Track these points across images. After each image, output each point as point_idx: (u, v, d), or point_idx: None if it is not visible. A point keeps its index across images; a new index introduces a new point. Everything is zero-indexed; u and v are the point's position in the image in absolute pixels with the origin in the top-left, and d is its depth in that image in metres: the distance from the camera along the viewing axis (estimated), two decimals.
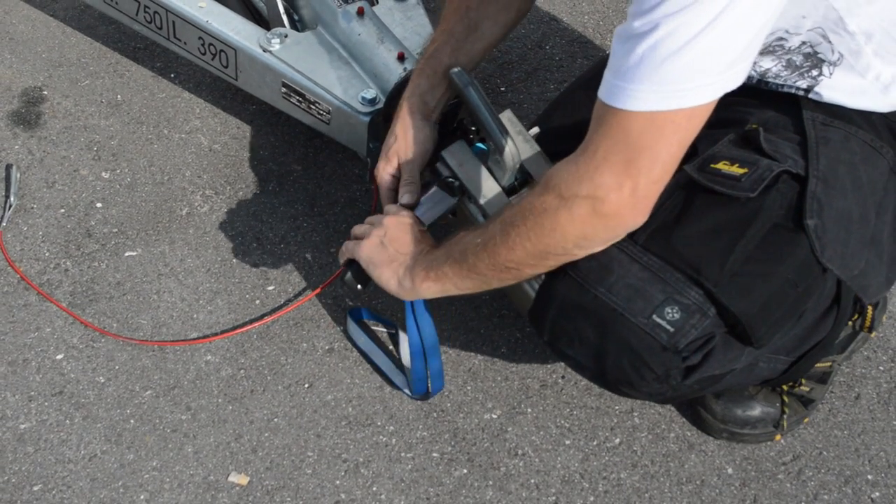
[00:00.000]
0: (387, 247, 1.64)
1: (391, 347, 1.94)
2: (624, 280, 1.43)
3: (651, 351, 1.44)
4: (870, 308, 1.71)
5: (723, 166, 1.46)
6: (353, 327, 1.94)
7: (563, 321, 1.50)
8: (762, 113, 1.53)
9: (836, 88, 1.49)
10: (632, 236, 1.43)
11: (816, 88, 1.49)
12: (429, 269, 1.57)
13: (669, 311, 1.42)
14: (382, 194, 1.78)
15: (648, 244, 1.44)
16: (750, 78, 1.50)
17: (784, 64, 1.50)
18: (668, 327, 1.42)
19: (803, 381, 1.78)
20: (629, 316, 1.43)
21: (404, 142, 1.76)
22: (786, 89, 1.52)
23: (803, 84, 1.50)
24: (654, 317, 1.42)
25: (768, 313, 1.44)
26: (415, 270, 1.59)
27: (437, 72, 1.75)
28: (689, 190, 1.47)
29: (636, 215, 1.37)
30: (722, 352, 1.46)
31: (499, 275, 1.50)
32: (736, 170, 1.45)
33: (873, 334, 1.87)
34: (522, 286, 1.76)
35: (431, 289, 1.59)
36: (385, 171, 1.76)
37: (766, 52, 1.50)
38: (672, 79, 1.25)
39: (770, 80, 1.52)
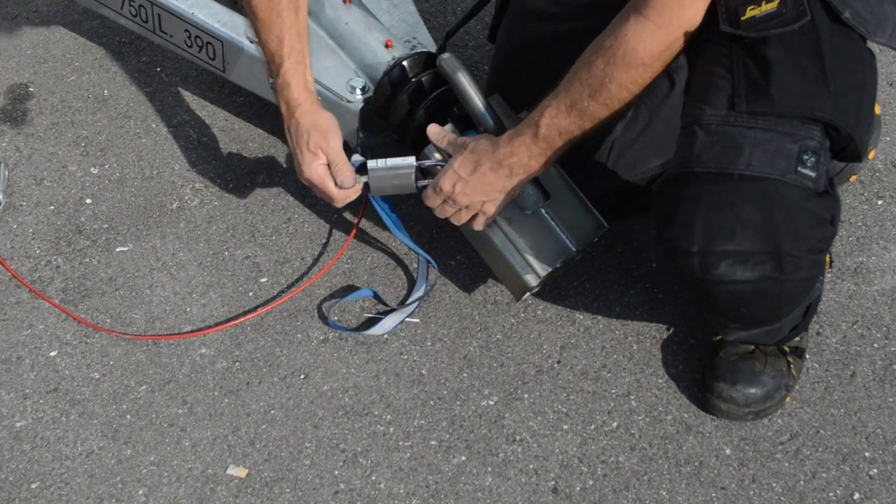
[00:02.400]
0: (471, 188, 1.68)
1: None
2: (757, 149, 1.43)
3: (813, 201, 1.46)
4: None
5: (753, 12, 1.46)
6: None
7: (716, 214, 1.47)
8: None
9: None
10: (732, 108, 1.45)
11: None
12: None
13: (806, 157, 1.44)
14: (323, 188, 1.76)
15: (753, 108, 1.45)
16: None
17: None
18: (811, 173, 1.44)
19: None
20: (781, 178, 1.43)
21: (318, 132, 1.75)
22: None
23: None
24: (799, 168, 1.43)
25: (867, 122, 1.51)
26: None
27: (300, 61, 1.77)
28: (746, 49, 1.47)
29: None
30: (835, 187, 1.53)
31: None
32: (767, 7, 1.45)
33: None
34: (513, 266, 1.76)
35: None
36: (317, 165, 1.74)
37: None
38: None
39: None
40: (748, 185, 1.44)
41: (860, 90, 1.51)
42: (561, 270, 1.83)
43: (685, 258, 1.52)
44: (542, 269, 1.77)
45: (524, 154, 1.63)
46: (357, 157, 1.78)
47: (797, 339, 1.83)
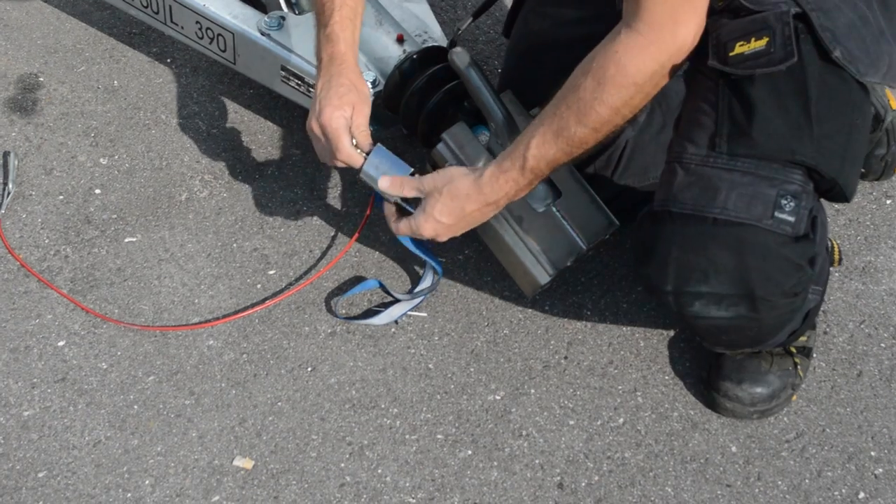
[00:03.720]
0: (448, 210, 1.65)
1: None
2: (733, 192, 1.43)
3: (788, 245, 1.44)
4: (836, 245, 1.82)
5: (741, 48, 1.44)
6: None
7: (690, 257, 1.47)
8: None
9: None
10: (713, 149, 1.44)
11: None
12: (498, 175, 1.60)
13: (785, 202, 1.43)
14: (335, 137, 1.70)
15: (734, 150, 1.44)
16: None
17: None
18: (789, 218, 1.43)
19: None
20: (756, 223, 1.42)
21: (357, 93, 1.71)
22: None
23: None
24: (776, 213, 1.42)
25: (853, 165, 1.48)
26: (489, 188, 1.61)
27: (352, 18, 1.73)
28: (732, 86, 1.46)
29: (700, 29, 1.44)
30: (822, 227, 1.52)
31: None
32: (756, 45, 1.44)
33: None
34: (523, 263, 1.76)
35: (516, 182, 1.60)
36: (339, 115, 1.69)
37: None
38: None
39: None
40: (722, 229, 1.44)
41: (847, 132, 1.48)
42: (571, 266, 1.83)
43: (661, 296, 1.55)
44: (553, 267, 1.77)
45: (511, 188, 1.60)
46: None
47: (804, 338, 1.83)
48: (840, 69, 1.46)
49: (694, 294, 1.51)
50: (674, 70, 1.46)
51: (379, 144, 1.74)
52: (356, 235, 2.06)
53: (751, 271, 1.46)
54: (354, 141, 1.71)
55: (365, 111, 1.73)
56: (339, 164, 1.74)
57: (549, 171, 1.58)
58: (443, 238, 1.69)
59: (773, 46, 1.43)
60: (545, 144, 1.53)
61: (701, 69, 1.49)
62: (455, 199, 1.63)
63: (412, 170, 1.73)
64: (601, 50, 1.47)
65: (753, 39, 1.44)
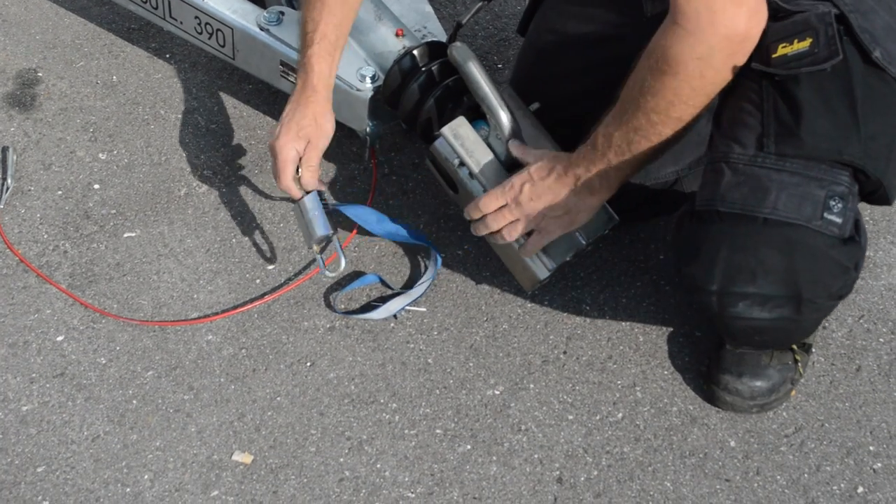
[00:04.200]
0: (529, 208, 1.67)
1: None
2: (783, 192, 1.42)
3: (836, 247, 1.45)
4: None
5: (784, 50, 1.44)
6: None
7: (738, 257, 1.47)
8: None
9: None
10: (761, 149, 1.44)
11: None
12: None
13: (833, 203, 1.43)
14: (281, 167, 1.84)
15: (782, 150, 1.43)
16: None
17: None
18: (837, 219, 1.43)
19: None
20: (806, 224, 1.42)
21: (316, 128, 1.83)
22: None
23: None
24: (825, 214, 1.42)
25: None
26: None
27: (329, 52, 1.82)
28: (777, 87, 1.46)
29: (761, 23, 1.44)
30: (864, 231, 1.51)
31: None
32: (799, 45, 1.43)
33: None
34: (523, 259, 1.76)
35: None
36: (292, 146, 1.82)
37: None
38: None
39: None
40: (772, 229, 1.43)
41: (892, 133, 1.48)
42: (570, 261, 1.83)
43: (704, 295, 1.54)
44: (552, 262, 1.76)
45: (585, 165, 1.60)
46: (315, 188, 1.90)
47: None
48: (880, 70, 1.46)
49: (740, 294, 1.51)
50: (729, 64, 1.45)
51: (315, 192, 1.88)
52: (354, 231, 2.06)
53: (800, 272, 1.46)
54: (299, 173, 1.85)
55: (319, 146, 1.85)
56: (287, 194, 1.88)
57: (615, 159, 1.57)
58: (524, 203, 1.67)
59: (818, 46, 1.43)
60: (611, 125, 1.55)
61: (741, 71, 1.48)
62: (550, 161, 1.65)
63: (331, 232, 1.87)
64: (652, 41, 1.48)
65: (796, 41, 1.44)
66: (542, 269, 1.77)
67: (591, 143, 1.59)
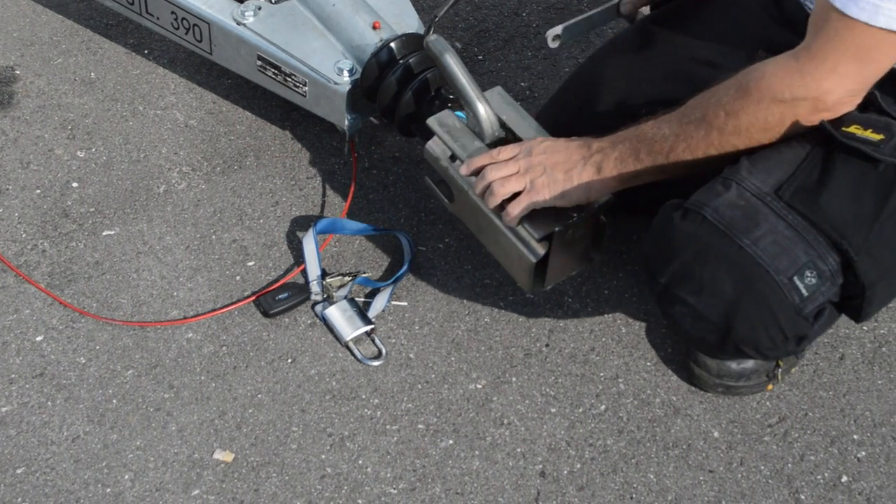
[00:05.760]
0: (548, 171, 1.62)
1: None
2: (771, 235, 1.41)
3: (787, 313, 1.43)
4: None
5: (856, 130, 1.42)
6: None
7: (696, 267, 1.46)
8: None
9: None
10: (777, 192, 1.43)
11: None
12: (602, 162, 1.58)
13: (809, 274, 1.41)
14: None
15: (794, 202, 1.42)
16: None
17: None
18: (804, 291, 1.41)
19: None
20: (773, 273, 1.41)
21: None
22: None
23: None
24: (795, 278, 1.41)
25: (885, 289, 1.46)
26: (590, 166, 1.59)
27: None
28: (826, 148, 1.44)
29: (851, 108, 1.43)
30: (826, 322, 1.49)
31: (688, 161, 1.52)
32: (871, 135, 1.42)
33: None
34: (517, 246, 1.72)
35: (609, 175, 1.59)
36: None
37: None
38: None
39: None
40: (741, 260, 1.42)
41: None
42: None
43: (652, 281, 1.55)
44: (539, 234, 1.70)
45: (612, 141, 1.58)
46: None
47: None
48: None
49: (680, 299, 1.51)
50: (807, 120, 1.43)
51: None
52: (330, 236, 2.05)
53: (740, 312, 1.45)
54: None
55: None
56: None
57: (645, 155, 1.54)
58: (535, 153, 1.64)
59: (885, 144, 1.41)
60: (664, 122, 1.53)
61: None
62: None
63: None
64: (757, 65, 1.45)
65: (871, 131, 1.42)
66: (537, 251, 1.70)
67: (630, 128, 1.56)
